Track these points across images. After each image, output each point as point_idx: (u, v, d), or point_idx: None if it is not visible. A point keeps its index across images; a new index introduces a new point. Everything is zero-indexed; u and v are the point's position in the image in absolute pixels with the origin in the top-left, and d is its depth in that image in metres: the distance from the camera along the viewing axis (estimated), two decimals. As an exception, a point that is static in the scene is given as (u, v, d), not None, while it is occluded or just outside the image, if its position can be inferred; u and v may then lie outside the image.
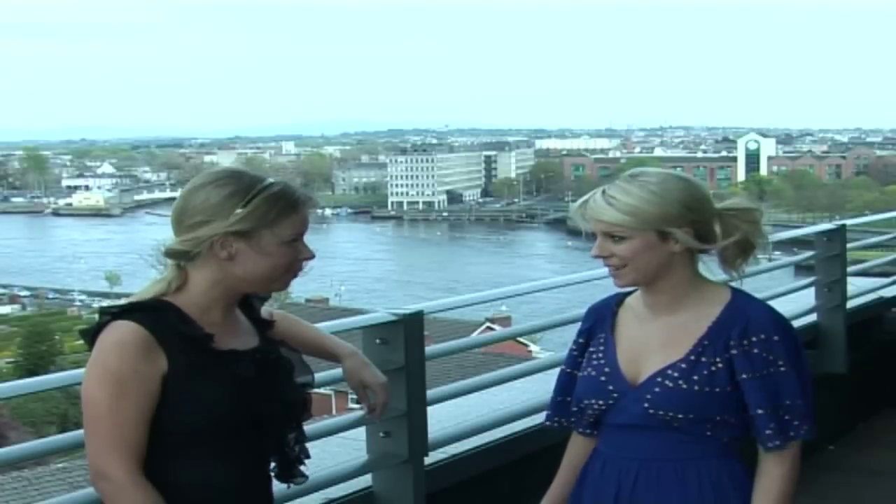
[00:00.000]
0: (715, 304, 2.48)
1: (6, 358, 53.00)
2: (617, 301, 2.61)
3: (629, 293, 2.60)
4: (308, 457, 2.44)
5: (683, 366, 2.43)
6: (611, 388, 2.50)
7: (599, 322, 2.61)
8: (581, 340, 2.64)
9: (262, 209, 2.24)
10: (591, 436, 2.64)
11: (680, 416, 2.42)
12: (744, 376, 2.41)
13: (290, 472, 2.41)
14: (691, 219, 2.44)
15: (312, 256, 2.33)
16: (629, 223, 2.42)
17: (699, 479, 2.46)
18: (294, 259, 2.30)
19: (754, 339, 2.42)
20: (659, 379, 2.44)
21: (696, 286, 2.51)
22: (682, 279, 2.49)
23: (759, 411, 2.42)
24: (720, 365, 2.42)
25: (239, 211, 2.23)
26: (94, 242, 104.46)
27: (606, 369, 2.52)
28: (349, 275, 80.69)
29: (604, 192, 2.47)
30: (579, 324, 2.70)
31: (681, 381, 2.42)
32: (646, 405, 2.44)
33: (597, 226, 2.46)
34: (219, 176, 2.29)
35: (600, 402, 2.51)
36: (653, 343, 2.49)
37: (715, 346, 2.43)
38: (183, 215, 2.26)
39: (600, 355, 2.55)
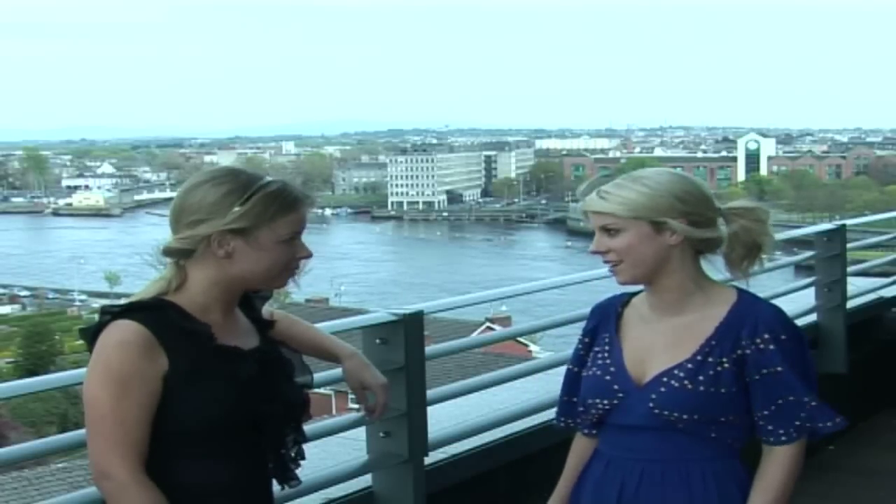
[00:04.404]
0: (721, 304, 2.48)
1: (6, 358, 52.99)
2: (622, 301, 2.61)
3: (635, 294, 2.61)
4: (304, 458, 2.44)
5: (689, 366, 2.43)
6: (616, 387, 2.50)
7: (604, 321, 2.61)
8: (586, 339, 2.64)
9: (260, 207, 2.24)
10: (597, 436, 2.64)
11: (685, 416, 2.42)
12: (756, 377, 2.42)
13: (286, 474, 2.41)
14: (684, 210, 2.44)
15: (310, 255, 2.33)
16: (620, 213, 2.43)
17: (703, 480, 2.46)
18: (291, 257, 2.30)
19: (766, 336, 2.42)
20: (665, 379, 2.44)
21: (701, 286, 2.51)
22: (686, 279, 2.49)
23: (767, 411, 2.42)
24: (727, 365, 2.42)
25: (237, 209, 2.23)
26: (102, 243, 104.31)
27: (612, 369, 2.52)
28: (360, 276, 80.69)
29: (599, 189, 2.49)
30: (583, 322, 2.70)
31: (686, 382, 2.42)
32: (651, 405, 2.44)
33: (593, 220, 2.48)
34: (216, 174, 2.29)
35: (605, 402, 2.51)
36: (659, 344, 2.49)
37: (722, 346, 2.44)
38: (181, 214, 2.26)
39: (605, 355, 2.55)
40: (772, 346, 2.42)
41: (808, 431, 2.46)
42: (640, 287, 2.56)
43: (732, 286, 2.54)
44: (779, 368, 2.41)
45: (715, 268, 2.56)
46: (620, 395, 2.49)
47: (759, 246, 2.51)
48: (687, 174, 2.58)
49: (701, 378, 2.42)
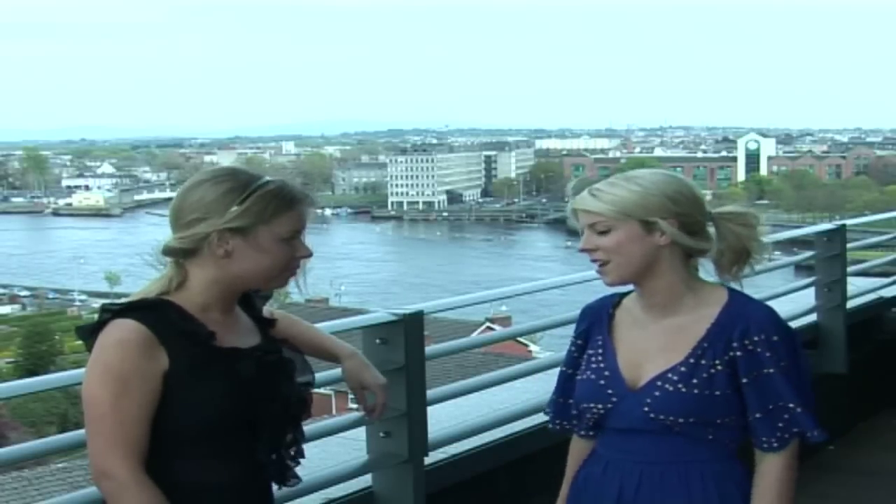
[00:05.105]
0: (712, 305, 2.47)
1: (6, 358, 53.00)
2: (613, 303, 2.60)
3: (625, 294, 2.60)
4: (303, 456, 2.44)
5: (683, 369, 2.42)
6: (610, 391, 2.49)
7: (596, 323, 2.60)
8: (579, 341, 2.63)
9: (259, 206, 2.24)
10: (594, 438, 2.63)
11: (680, 420, 2.41)
12: (744, 380, 2.41)
13: (285, 473, 2.41)
14: (675, 211, 2.44)
15: (310, 254, 2.33)
16: (609, 212, 2.43)
17: (703, 482, 2.45)
18: (291, 256, 2.30)
19: (756, 338, 2.41)
20: (659, 383, 2.43)
21: (693, 287, 2.50)
22: (676, 280, 2.48)
23: (758, 414, 2.42)
24: (720, 367, 2.42)
25: (235, 208, 2.23)
26: (103, 243, 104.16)
27: (606, 373, 2.51)
28: (361, 276, 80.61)
29: (591, 187, 2.48)
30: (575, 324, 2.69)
31: (680, 385, 2.41)
32: (646, 409, 2.44)
33: (582, 219, 2.47)
34: (216, 173, 2.30)
35: (599, 406, 2.51)
36: (652, 346, 2.48)
37: (715, 348, 2.43)
38: (180, 213, 2.26)
39: (599, 358, 2.54)
40: (763, 348, 2.41)
41: (798, 437, 2.44)
42: (630, 287, 2.55)
43: (724, 286, 2.53)
44: (770, 370, 2.40)
45: (707, 270, 2.55)
46: (615, 399, 2.48)
47: (748, 251, 2.49)
48: (680, 176, 2.57)
49: (695, 381, 2.41)
